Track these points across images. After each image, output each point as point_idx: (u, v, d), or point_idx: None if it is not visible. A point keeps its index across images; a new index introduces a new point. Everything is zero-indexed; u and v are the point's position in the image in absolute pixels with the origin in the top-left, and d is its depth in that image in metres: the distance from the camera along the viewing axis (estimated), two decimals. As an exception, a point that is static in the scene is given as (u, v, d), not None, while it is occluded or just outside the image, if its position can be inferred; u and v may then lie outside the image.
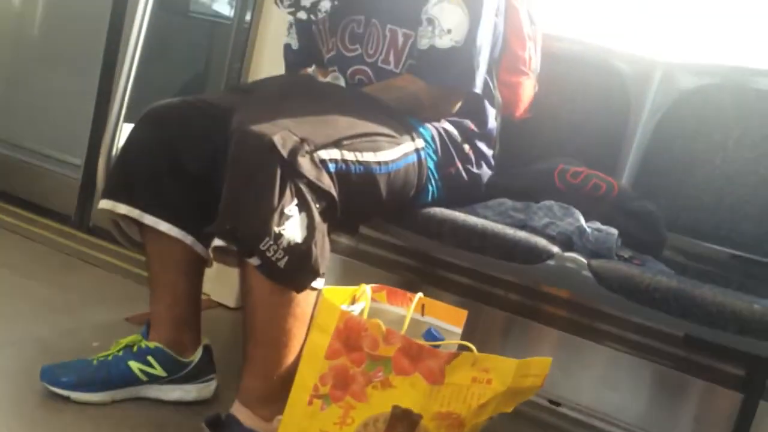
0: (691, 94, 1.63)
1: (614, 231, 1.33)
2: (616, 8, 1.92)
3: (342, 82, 1.45)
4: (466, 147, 1.45)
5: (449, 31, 1.34)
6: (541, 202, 1.43)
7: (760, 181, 1.53)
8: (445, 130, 1.42)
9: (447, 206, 1.40)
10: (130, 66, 1.80)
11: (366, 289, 1.19)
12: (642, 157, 1.66)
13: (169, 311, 1.37)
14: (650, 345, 1.65)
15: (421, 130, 1.36)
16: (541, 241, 1.28)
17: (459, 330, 1.23)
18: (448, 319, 1.23)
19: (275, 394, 1.17)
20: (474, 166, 1.47)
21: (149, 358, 1.34)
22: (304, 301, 1.17)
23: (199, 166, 1.31)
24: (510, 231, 1.30)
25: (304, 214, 1.10)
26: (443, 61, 1.35)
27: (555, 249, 1.28)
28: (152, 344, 1.35)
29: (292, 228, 1.09)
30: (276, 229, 1.07)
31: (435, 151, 1.38)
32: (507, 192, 1.50)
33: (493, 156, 1.54)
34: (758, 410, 1.51)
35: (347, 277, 1.96)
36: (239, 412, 1.20)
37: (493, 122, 1.52)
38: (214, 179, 1.19)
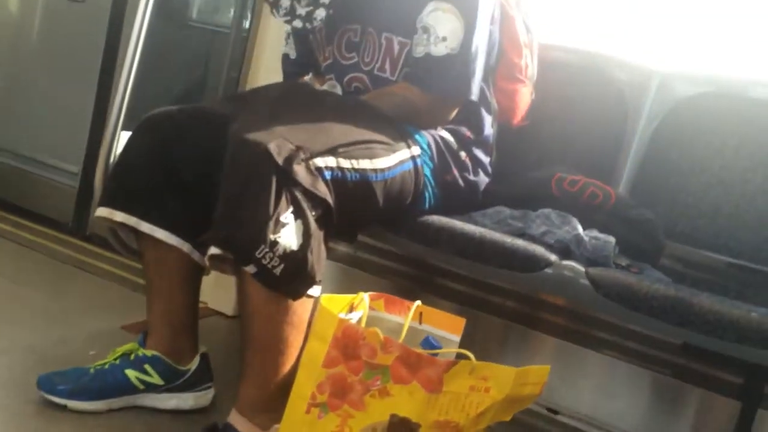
0: (687, 102, 1.64)
1: (612, 239, 1.33)
2: (613, 17, 1.93)
3: (339, 90, 1.46)
4: (463, 154, 1.45)
5: (444, 39, 1.35)
6: (539, 210, 1.43)
7: (757, 190, 1.54)
8: (442, 138, 1.42)
9: (444, 213, 1.40)
10: (128, 74, 1.80)
11: (364, 298, 1.19)
12: (639, 166, 1.66)
13: (167, 319, 1.36)
14: (648, 353, 1.65)
15: (417, 137, 1.37)
16: (539, 249, 1.29)
17: (457, 338, 1.23)
18: (446, 328, 1.23)
19: (272, 402, 1.17)
20: (471, 173, 1.47)
21: (146, 366, 1.34)
22: (301, 308, 1.17)
23: (197, 174, 1.31)
24: (508, 239, 1.30)
25: (299, 222, 1.10)
26: (439, 69, 1.36)
27: (553, 257, 1.28)
28: (149, 352, 1.34)
29: (287, 235, 1.09)
30: (271, 237, 1.07)
31: (431, 158, 1.38)
32: (505, 200, 1.51)
33: (490, 163, 1.54)
34: (756, 418, 1.51)
35: (345, 285, 1.96)
36: (236, 420, 1.20)
37: (489, 129, 1.52)
38: (211, 187, 1.19)
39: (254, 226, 1.08)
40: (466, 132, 1.46)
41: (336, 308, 1.13)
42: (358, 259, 1.97)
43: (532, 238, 1.35)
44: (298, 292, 1.15)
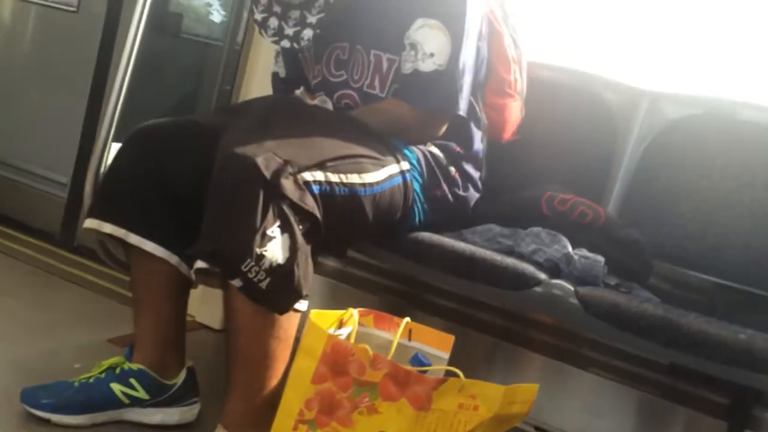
0: (677, 124, 1.66)
1: (601, 258, 1.34)
2: (603, 37, 1.96)
3: (330, 105, 1.46)
4: (452, 170, 1.46)
5: (432, 55, 1.36)
6: (529, 228, 1.44)
7: (744, 212, 1.55)
8: (431, 153, 1.43)
9: (434, 229, 1.41)
10: (120, 85, 1.80)
11: (353, 314, 1.19)
12: (628, 186, 1.67)
13: (153, 333, 1.35)
14: (636, 372, 1.65)
15: (407, 152, 1.37)
16: (529, 268, 1.29)
17: (446, 355, 1.23)
18: (436, 345, 1.23)
19: (258, 418, 1.16)
20: (460, 188, 1.48)
21: (132, 380, 1.32)
22: (288, 323, 1.17)
23: (187, 187, 1.30)
24: (498, 257, 1.30)
25: (286, 236, 1.10)
26: (427, 85, 1.36)
27: (542, 276, 1.28)
28: (135, 366, 1.33)
29: (274, 249, 1.09)
30: (258, 251, 1.07)
31: (421, 174, 1.39)
32: (495, 218, 1.51)
33: (480, 178, 1.55)
34: (743, 439, 1.51)
35: (334, 300, 1.95)
36: (222, 436, 1.18)
37: (479, 144, 1.53)
38: (200, 200, 1.19)
39: (240, 239, 1.08)
40: (456, 147, 1.47)
41: (325, 324, 1.12)
42: (347, 275, 1.97)
43: (522, 257, 1.35)
44: (285, 306, 1.14)
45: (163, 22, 2.40)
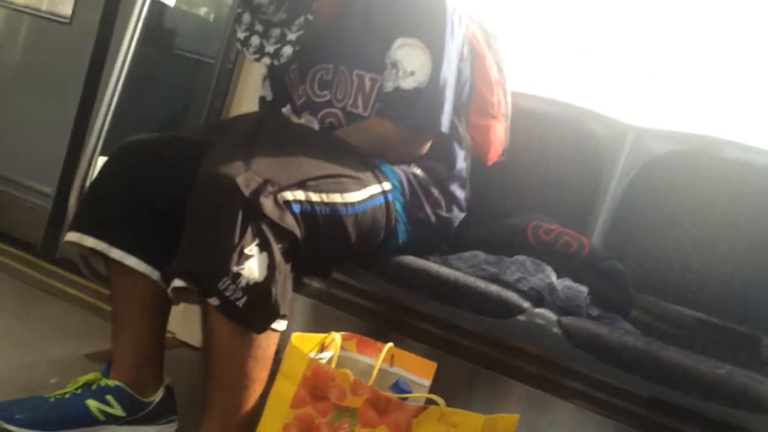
0: (662, 158, 1.68)
1: (584, 289, 1.35)
2: (591, 71, 1.99)
3: (315, 125, 1.47)
4: (435, 191, 1.46)
5: (413, 73, 1.37)
6: (514, 256, 1.44)
7: (727, 249, 1.57)
8: (414, 174, 1.43)
9: (418, 249, 1.41)
10: (110, 99, 1.80)
11: (336, 337, 1.18)
12: (613, 218, 1.69)
13: (132, 349, 1.33)
14: (617, 404, 1.65)
15: (389, 173, 1.38)
16: (513, 296, 1.29)
17: (428, 382, 1.22)
18: (417, 371, 1.23)
19: (235, 440, 1.14)
20: (444, 209, 1.48)
21: (108, 397, 1.30)
22: (266, 343, 1.16)
23: (170, 203, 1.30)
24: (482, 284, 1.31)
25: (265, 254, 1.10)
26: (408, 102, 1.38)
27: (526, 304, 1.29)
28: (112, 383, 1.31)
29: (251, 268, 1.09)
30: (234, 269, 1.07)
31: (403, 194, 1.39)
32: (480, 245, 1.52)
33: (465, 198, 1.55)
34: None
35: (317, 322, 1.94)
36: (198, 457, 1.17)
37: (462, 163, 1.53)
38: (184, 217, 1.19)
39: (217, 257, 1.08)
40: (438, 167, 1.48)
41: (307, 347, 1.12)
42: (331, 296, 1.96)
43: (506, 284, 1.36)
44: (262, 325, 1.14)
45: (156, 38, 2.41)
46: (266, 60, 1.39)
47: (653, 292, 1.59)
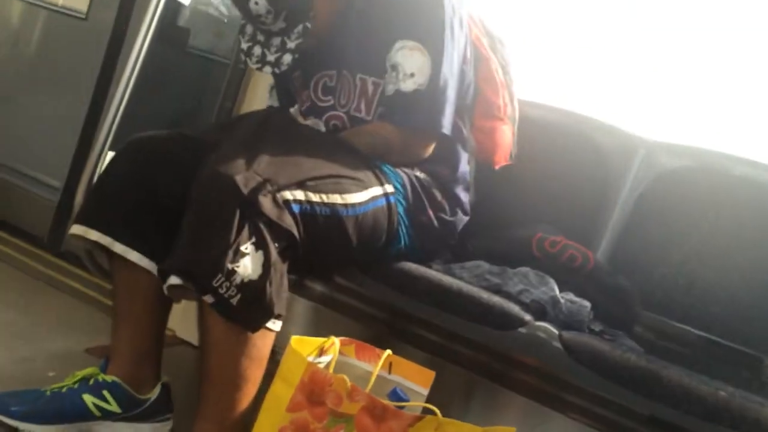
0: (671, 174, 1.66)
1: (587, 304, 1.34)
2: (604, 82, 1.98)
3: (322, 128, 1.48)
4: (438, 195, 1.46)
5: (412, 75, 1.37)
6: (518, 268, 1.43)
7: (733, 267, 1.55)
8: (417, 177, 1.43)
9: (421, 253, 1.40)
10: (122, 95, 1.81)
11: (335, 342, 1.18)
12: (619, 232, 1.67)
13: (131, 345, 1.33)
14: (617, 421, 1.63)
15: (391, 175, 1.38)
16: (514, 308, 1.29)
17: (425, 391, 1.22)
18: (415, 379, 1.22)
19: (228, 440, 1.14)
20: (447, 213, 1.47)
21: (105, 392, 1.30)
22: (261, 342, 1.16)
23: (176, 200, 1.29)
24: (485, 295, 1.30)
25: (260, 253, 1.10)
26: (409, 104, 1.38)
27: (527, 317, 1.28)
28: (109, 378, 1.31)
29: (246, 265, 1.09)
30: (229, 266, 1.08)
31: (405, 197, 1.39)
32: (484, 254, 1.51)
33: (469, 201, 1.55)
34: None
35: (317, 325, 1.93)
36: (192, 456, 1.17)
37: (465, 166, 1.53)
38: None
39: (212, 254, 1.08)
40: (442, 170, 1.47)
41: (305, 351, 1.11)
42: (332, 301, 1.95)
43: (509, 296, 1.35)
44: (256, 324, 1.14)
45: (170, 35, 2.41)
46: (267, 69, 1.41)
47: (657, 309, 1.58)
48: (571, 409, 1.69)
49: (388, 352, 1.20)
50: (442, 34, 1.38)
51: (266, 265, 1.10)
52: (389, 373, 1.22)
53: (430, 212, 1.43)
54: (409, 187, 1.39)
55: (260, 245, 1.10)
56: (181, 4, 2.05)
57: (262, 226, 1.10)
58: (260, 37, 1.40)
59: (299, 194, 1.16)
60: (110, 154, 1.83)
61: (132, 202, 1.31)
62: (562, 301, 1.34)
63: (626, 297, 1.45)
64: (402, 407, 1.06)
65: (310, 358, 1.12)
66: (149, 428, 1.34)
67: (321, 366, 1.14)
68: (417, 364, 1.23)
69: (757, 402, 1.10)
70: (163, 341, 1.39)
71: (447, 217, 1.47)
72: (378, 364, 1.16)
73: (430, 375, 1.22)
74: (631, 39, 1.96)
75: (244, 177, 1.10)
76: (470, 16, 1.60)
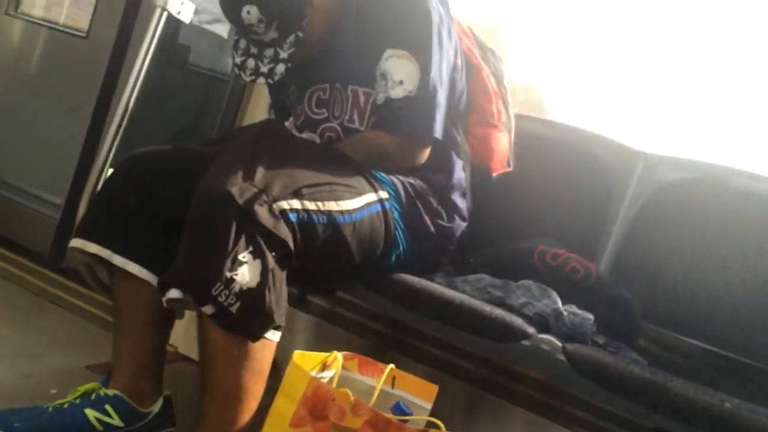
0: (671, 186, 1.67)
1: (590, 316, 1.34)
2: (603, 97, 1.99)
3: (317, 140, 1.49)
4: (434, 201, 1.46)
5: (401, 82, 1.39)
6: (520, 281, 1.43)
7: (735, 279, 1.55)
8: (411, 184, 1.43)
9: (421, 263, 1.40)
10: (122, 112, 1.81)
11: (338, 357, 1.17)
12: (621, 244, 1.67)
13: (132, 358, 1.33)
14: (620, 435, 1.63)
15: (384, 180, 1.38)
16: (517, 321, 1.28)
17: (429, 405, 1.21)
18: (419, 393, 1.21)
19: (230, 453, 1.13)
20: (444, 219, 1.48)
21: (107, 406, 1.30)
22: (261, 354, 1.16)
23: (175, 213, 1.30)
24: (487, 308, 1.30)
25: (258, 261, 1.11)
26: (399, 111, 1.39)
27: (530, 329, 1.27)
28: (111, 392, 1.30)
29: (244, 273, 1.09)
30: (228, 274, 1.08)
31: (399, 201, 1.39)
32: (486, 267, 1.51)
33: (467, 208, 1.55)
34: None
35: (319, 340, 1.93)
36: (193, 470, 1.16)
37: (460, 172, 1.53)
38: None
39: (210, 264, 1.09)
40: (437, 177, 1.48)
41: (308, 366, 1.11)
42: (335, 315, 1.95)
43: (512, 309, 1.35)
44: (257, 332, 1.14)
45: (171, 53, 2.43)
46: (261, 80, 1.42)
47: (661, 322, 1.58)
48: (575, 423, 1.68)
49: (391, 366, 1.20)
50: (430, 42, 1.40)
51: (264, 273, 1.11)
52: (392, 387, 1.21)
53: (426, 218, 1.44)
54: (402, 193, 1.40)
55: (257, 254, 1.11)
56: (181, 22, 2.06)
57: (258, 235, 1.11)
58: (253, 50, 1.42)
59: (295, 203, 1.17)
60: (111, 171, 1.83)
61: (131, 215, 1.32)
62: (565, 313, 1.34)
63: (629, 309, 1.44)
64: (405, 421, 1.06)
65: (313, 373, 1.12)
66: (151, 443, 1.34)
67: (324, 381, 1.14)
68: (420, 378, 1.23)
69: (763, 414, 1.10)
70: (165, 354, 1.38)
71: (444, 223, 1.47)
72: (381, 379, 1.16)
73: (434, 389, 1.22)
74: (632, 52, 1.98)
75: (239, 188, 1.11)
76: (461, 28, 1.62)
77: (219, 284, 1.08)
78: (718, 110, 1.85)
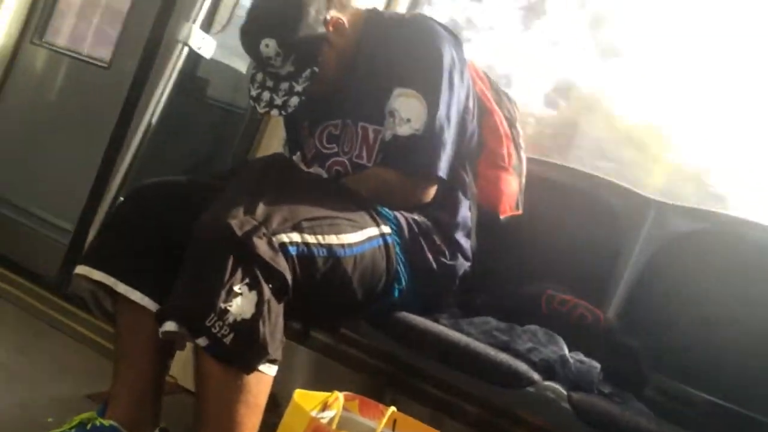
0: (683, 236, 1.66)
1: (597, 365, 1.32)
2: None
3: (324, 174, 1.50)
4: (438, 239, 1.45)
5: (408, 120, 1.40)
6: (526, 325, 1.42)
7: (745, 331, 1.53)
8: (415, 221, 1.43)
9: (424, 302, 1.39)
10: (138, 143, 1.84)
11: (339, 397, 1.16)
12: (630, 293, 1.66)
13: (130, 388, 1.32)
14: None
15: (388, 217, 1.38)
16: (522, 366, 1.26)
17: (429, 450, 1.18)
18: (419, 438, 1.19)
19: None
20: (447, 257, 1.47)
21: (102, 438, 1.28)
22: (256, 387, 1.14)
23: (181, 244, 1.30)
24: (492, 351, 1.28)
25: (254, 293, 1.10)
26: (405, 148, 1.40)
27: (536, 376, 1.26)
28: (107, 422, 1.28)
29: (239, 305, 1.09)
30: (222, 306, 1.08)
31: (401, 237, 1.39)
32: (493, 310, 1.49)
33: (471, 248, 1.54)
34: None
35: (321, 377, 1.91)
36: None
37: (466, 212, 1.53)
38: None
39: (205, 295, 1.09)
40: (441, 215, 1.47)
41: (309, 405, 1.09)
42: (338, 352, 1.93)
43: (517, 354, 1.33)
44: (250, 364, 1.13)
45: (189, 85, 2.47)
46: (275, 112, 1.44)
47: (668, 372, 1.54)
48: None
49: (393, 409, 1.17)
50: (440, 83, 1.42)
51: (259, 305, 1.10)
52: (393, 430, 1.19)
53: (429, 255, 1.43)
54: (405, 228, 1.40)
55: (253, 286, 1.10)
56: (201, 56, 2.10)
57: (255, 267, 1.11)
58: (269, 83, 1.44)
59: (295, 236, 1.17)
60: (120, 200, 1.85)
61: (137, 244, 1.32)
62: (572, 360, 1.32)
63: (636, 358, 1.42)
64: (405, 465, 1.04)
65: (314, 413, 1.10)
66: (145, 476, 1.31)
67: (324, 421, 1.12)
68: (421, 423, 1.20)
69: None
70: (164, 385, 1.37)
71: (446, 261, 1.47)
72: (382, 422, 1.14)
73: (435, 434, 1.19)
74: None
75: (239, 221, 1.12)
76: (476, 71, 1.64)
77: (213, 315, 1.08)
78: (732, 158, 1.84)
